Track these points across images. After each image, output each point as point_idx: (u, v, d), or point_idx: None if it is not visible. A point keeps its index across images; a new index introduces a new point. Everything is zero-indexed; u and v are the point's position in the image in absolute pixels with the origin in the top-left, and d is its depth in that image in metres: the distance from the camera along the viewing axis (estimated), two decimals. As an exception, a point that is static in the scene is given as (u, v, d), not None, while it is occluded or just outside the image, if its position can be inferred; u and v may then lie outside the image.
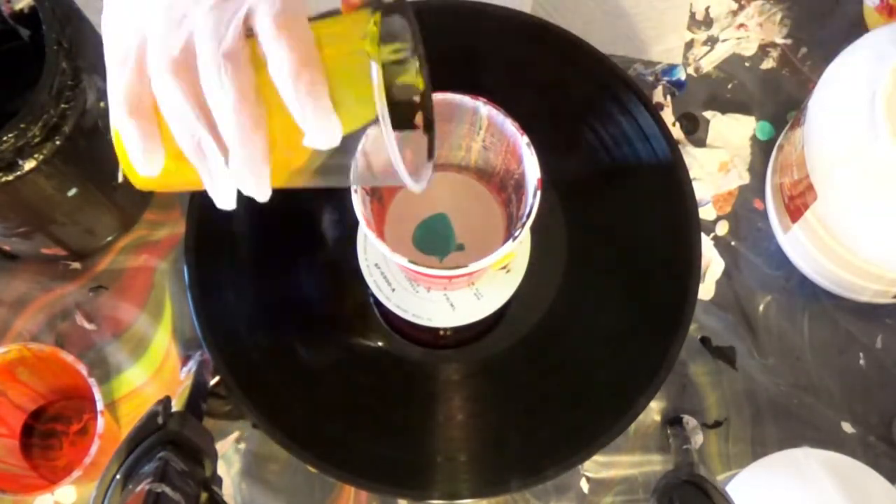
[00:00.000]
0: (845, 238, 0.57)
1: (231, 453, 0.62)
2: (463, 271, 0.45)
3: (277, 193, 0.37)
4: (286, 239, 0.55)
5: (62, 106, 0.50)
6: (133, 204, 0.63)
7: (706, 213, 0.66)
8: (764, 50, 0.69)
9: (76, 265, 0.64)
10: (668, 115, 0.67)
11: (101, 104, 0.53)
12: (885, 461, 0.62)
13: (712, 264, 0.65)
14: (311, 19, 0.37)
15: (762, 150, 0.67)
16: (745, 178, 0.67)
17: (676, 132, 0.67)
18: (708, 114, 0.68)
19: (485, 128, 0.48)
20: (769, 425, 0.63)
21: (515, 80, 0.57)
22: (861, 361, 0.64)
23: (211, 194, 0.38)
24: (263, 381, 0.53)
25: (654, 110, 0.56)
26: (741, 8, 0.69)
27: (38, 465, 0.61)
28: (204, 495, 0.46)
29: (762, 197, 0.66)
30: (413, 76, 0.41)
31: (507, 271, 0.54)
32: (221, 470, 0.61)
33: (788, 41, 0.69)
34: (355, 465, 0.52)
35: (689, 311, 0.54)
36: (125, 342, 0.63)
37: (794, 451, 0.61)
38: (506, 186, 0.52)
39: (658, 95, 0.67)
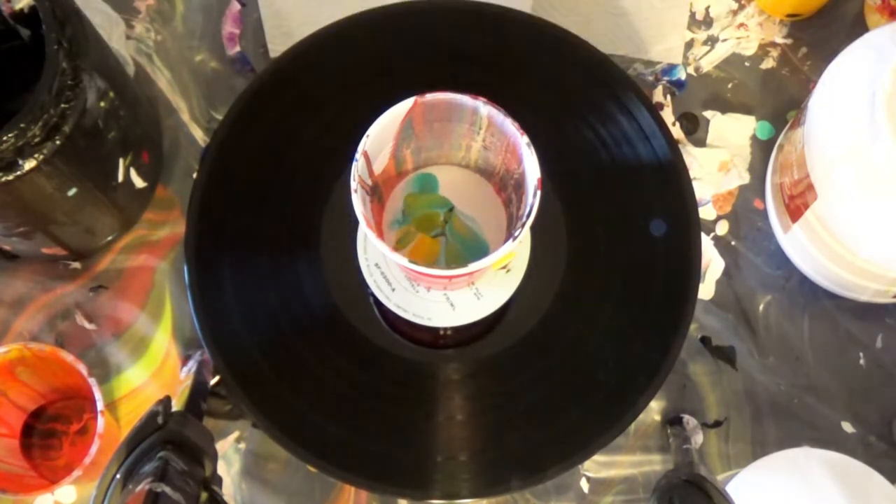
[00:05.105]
0: (845, 238, 0.57)
1: (231, 453, 0.62)
2: (463, 271, 0.45)
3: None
4: (286, 238, 0.55)
5: (62, 106, 0.50)
6: (133, 204, 0.63)
7: (706, 213, 0.66)
8: (764, 50, 0.69)
9: (76, 265, 0.64)
10: (668, 115, 0.67)
11: (101, 104, 0.53)
12: (885, 461, 0.62)
13: (712, 264, 0.65)
14: None
15: (762, 149, 0.67)
16: (745, 178, 0.67)
17: (676, 132, 0.67)
18: (708, 113, 0.68)
19: (485, 127, 0.48)
20: (769, 425, 0.63)
21: (515, 80, 0.57)
22: (861, 361, 0.64)
23: None
24: (263, 381, 0.53)
25: (654, 110, 0.56)
26: (741, 8, 0.69)
27: (38, 465, 0.62)
28: (204, 495, 0.46)
29: (762, 197, 0.66)
30: None
31: (507, 271, 0.54)
32: (221, 470, 0.61)
33: (788, 41, 0.69)
34: (355, 465, 0.52)
35: (689, 311, 0.54)
36: (125, 342, 0.63)
37: (794, 451, 0.61)
38: (506, 186, 0.52)
39: (658, 95, 0.67)
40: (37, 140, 0.50)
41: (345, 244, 0.54)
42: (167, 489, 0.43)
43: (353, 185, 0.45)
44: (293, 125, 0.56)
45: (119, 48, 0.65)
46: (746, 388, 0.63)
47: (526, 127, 0.46)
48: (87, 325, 0.63)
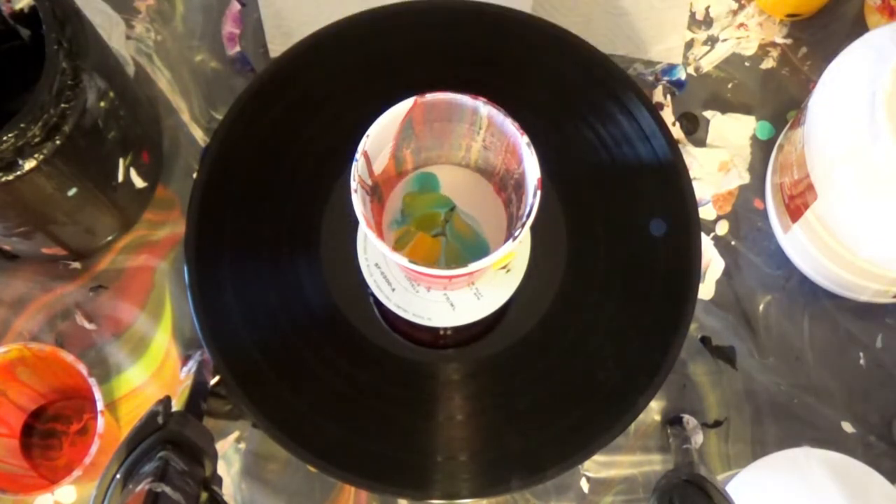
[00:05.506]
0: (845, 238, 0.57)
1: (231, 453, 0.62)
2: (463, 271, 0.45)
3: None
4: (286, 238, 0.55)
5: (62, 106, 0.50)
6: (133, 204, 0.63)
7: (706, 213, 0.66)
8: (764, 50, 0.69)
9: (76, 265, 0.64)
10: (668, 115, 0.67)
11: (101, 104, 0.53)
12: (885, 461, 0.62)
13: (712, 264, 0.65)
14: None
15: (762, 149, 0.67)
16: (745, 178, 0.67)
17: (676, 132, 0.67)
18: (708, 113, 0.68)
19: (485, 127, 0.48)
20: (769, 425, 0.63)
21: (516, 80, 0.57)
22: (861, 361, 0.64)
23: None
24: (263, 381, 0.53)
25: (654, 110, 0.56)
26: (741, 8, 0.69)
27: (38, 465, 0.62)
28: (204, 495, 0.46)
29: (762, 197, 0.66)
30: None
31: (507, 271, 0.54)
32: (221, 470, 0.61)
33: (788, 41, 0.69)
34: (355, 465, 0.52)
35: (689, 311, 0.54)
36: (125, 342, 0.63)
37: (794, 450, 0.61)
38: (506, 186, 0.52)
39: (658, 95, 0.67)
40: (37, 140, 0.50)
41: (345, 244, 0.54)
42: (167, 489, 0.43)
43: (353, 185, 0.45)
44: (293, 125, 0.56)
45: (119, 48, 0.65)
46: (746, 388, 0.63)
47: (526, 127, 0.46)
48: (87, 325, 0.63)
